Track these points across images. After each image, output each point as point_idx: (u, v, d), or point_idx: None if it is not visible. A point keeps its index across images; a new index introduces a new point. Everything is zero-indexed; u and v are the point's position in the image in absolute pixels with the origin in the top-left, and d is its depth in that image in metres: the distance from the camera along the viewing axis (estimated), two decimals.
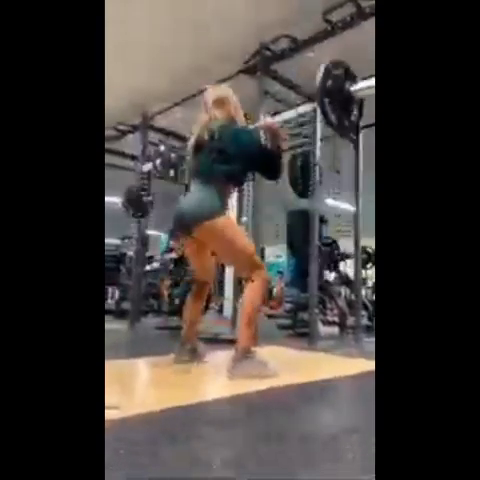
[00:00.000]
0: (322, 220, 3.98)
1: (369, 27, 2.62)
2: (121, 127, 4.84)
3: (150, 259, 6.43)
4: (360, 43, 3.32)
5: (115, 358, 1.98)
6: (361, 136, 3.97)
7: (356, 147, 4.00)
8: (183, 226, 2.01)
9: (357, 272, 3.96)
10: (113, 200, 5.19)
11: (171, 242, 5.61)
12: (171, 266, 5.75)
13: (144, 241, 4.84)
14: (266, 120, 2.15)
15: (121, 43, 3.86)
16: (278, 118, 2.76)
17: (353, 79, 2.54)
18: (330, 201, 6.33)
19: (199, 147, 2.04)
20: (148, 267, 6.14)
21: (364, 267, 5.45)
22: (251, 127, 2.17)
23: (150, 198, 4.65)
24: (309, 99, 3.57)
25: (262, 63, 3.12)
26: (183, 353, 2.15)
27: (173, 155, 4.09)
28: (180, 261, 5.02)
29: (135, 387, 1.79)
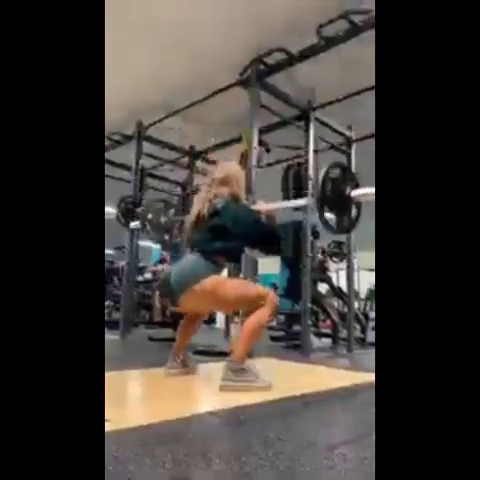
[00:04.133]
0: (314, 234, 3.99)
1: (362, 40, 2.67)
2: (115, 137, 4.83)
3: (142, 270, 6.39)
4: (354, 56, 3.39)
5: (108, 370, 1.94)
6: (353, 150, 4.04)
7: (348, 160, 4.05)
8: (169, 294, 1.99)
9: (350, 284, 3.96)
10: (107, 210, 5.16)
11: (163, 253, 5.59)
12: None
13: (136, 252, 4.80)
14: (262, 206, 2.26)
15: (119, 52, 3.88)
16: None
17: (353, 180, 2.65)
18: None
19: (199, 221, 2.08)
20: (140, 278, 6.09)
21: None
22: (252, 207, 2.27)
23: (143, 209, 4.61)
24: (302, 112, 3.61)
25: (256, 76, 3.15)
26: (175, 365, 2.13)
27: (164, 219, 4.21)
28: None
29: (127, 399, 1.75)
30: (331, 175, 2.61)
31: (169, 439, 1.13)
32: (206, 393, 1.90)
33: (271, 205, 2.39)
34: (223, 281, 1.97)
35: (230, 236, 1.98)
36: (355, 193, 2.66)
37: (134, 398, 1.84)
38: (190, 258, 2.01)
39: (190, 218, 2.15)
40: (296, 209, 3.80)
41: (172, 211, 4.32)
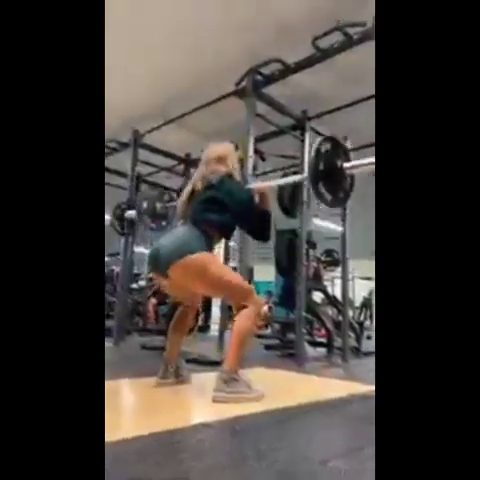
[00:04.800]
0: (310, 243, 3.96)
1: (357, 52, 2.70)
2: (111, 144, 4.83)
3: (136, 277, 6.37)
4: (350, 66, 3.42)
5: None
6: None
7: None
8: (158, 265, 1.92)
9: (345, 293, 3.96)
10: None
11: None
12: (157, 285, 5.68)
13: (131, 258, 4.79)
14: (257, 184, 2.23)
15: (116, 58, 3.90)
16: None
17: (345, 154, 2.64)
18: (318, 221, 6.40)
19: (193, 195, 2.08)
20: (134, 285, 6.06)
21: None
22: (247, 187, 2.24)
23: (138, 198, 4.57)
24: (298, 122, 3.64)
25: (252, 86, 3.17)
26: (167, 375, 2.10)
27: (159, 205, 4.19)
28: None
29: (120, 410, 1.74)
30: (323, 150, 2.57)
31: (162, 450, 1.12)
32: (199, 404, 1.88)
33: (266, 183, 2.35)
34: (213, 260, 1.92)
35: (224, 210, 1.97)
36: (347, 165, 2.63)
37: (127, 409, 1.82)
38: (181, 229, 1.99)
39: (184, 193, 2.14)
40: (290, 215, 3.82)
41: (167, 197, 4.27)
